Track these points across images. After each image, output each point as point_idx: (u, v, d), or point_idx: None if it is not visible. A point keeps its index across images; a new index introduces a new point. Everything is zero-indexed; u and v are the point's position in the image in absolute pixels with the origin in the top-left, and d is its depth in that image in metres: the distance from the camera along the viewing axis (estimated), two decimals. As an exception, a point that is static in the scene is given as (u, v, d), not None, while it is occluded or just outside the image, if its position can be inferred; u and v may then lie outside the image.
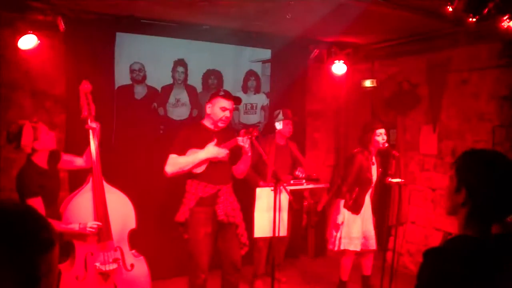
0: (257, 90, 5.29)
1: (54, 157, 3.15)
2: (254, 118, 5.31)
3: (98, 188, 3.14)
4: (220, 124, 3.47)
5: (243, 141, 3.32)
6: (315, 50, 5.39)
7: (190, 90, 4.87)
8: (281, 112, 4.51)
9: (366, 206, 4.18)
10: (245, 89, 5.20)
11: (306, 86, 5.62)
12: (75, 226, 3.01)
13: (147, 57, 4.58)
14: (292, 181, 4.50)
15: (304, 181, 4.58)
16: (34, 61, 4.02)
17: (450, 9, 3.01)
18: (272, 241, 3.51)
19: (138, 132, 4.51)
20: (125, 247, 3.27)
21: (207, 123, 3.52)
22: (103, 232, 3.11)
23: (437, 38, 4.56)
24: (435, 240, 4.77)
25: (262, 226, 3.35)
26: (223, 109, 3.43)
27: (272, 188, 3.23)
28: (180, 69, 4.79)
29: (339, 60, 5.13)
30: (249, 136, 3.32)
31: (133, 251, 3.34)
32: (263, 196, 3.38)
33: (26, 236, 0.90)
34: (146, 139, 4.54)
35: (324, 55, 5.37)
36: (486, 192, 1.36)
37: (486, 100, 4.46)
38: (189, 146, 3.40)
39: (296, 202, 3.58)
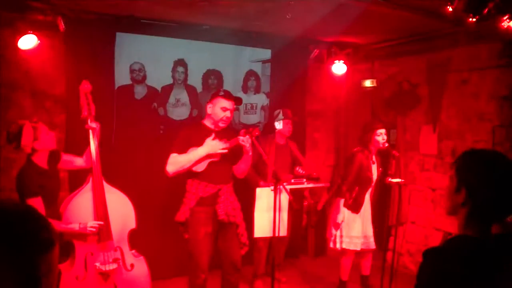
0: (257, 90, 5.29)
1: (54, 157, 3.15)
2: (254, 118, 5.31)
3: (98, 188, 3.15)
4: (221, 124, 3.47)
5: (244, 141, 3.32)
6: (315, 50, 5.38)
7: (190, 90, 4.87)
8: (281, 112, 4.51)
9: (366, 206, 4.19)
10: (245, 89, 5.20)
11: (306, 86, 5.61)
12: (75, 226, 3.01)
13: (147, 57, 4.58)
14: (293, 180, 4.50)
15: (304, 179, 4.58)
16: (34, 61, 4.02)
17: (450, 9, 3.02)
18: (272, 241, 3.51)
19: (138, 132, 4.50)
20: (125, 247, 3.27)
21: (207, 123, 3.52)
22: (103, 232, 3.11)
23: (437, 38, 4.55)
24: (435, 240, 4.77)
25: (262, 226, 3.35)
26: (224, 109, 3.43)
27: (272, 188, 3.22)
28: (180, 69, 4.78)
29: (339, 60, 5.13)
30: (250, 136, 3.32)
31: (133, 251, 3.34)
32: (263, 196, 3.38)
33: (26, 236, 0.90)
34: (146, 139, 4.54)
35: (324, 55, 5.36)
36: (486, 192, 1.36)
37: (486, 100, 4.46)
38: (189, 146, 3.39)
39: (296, 202, 3.58)
